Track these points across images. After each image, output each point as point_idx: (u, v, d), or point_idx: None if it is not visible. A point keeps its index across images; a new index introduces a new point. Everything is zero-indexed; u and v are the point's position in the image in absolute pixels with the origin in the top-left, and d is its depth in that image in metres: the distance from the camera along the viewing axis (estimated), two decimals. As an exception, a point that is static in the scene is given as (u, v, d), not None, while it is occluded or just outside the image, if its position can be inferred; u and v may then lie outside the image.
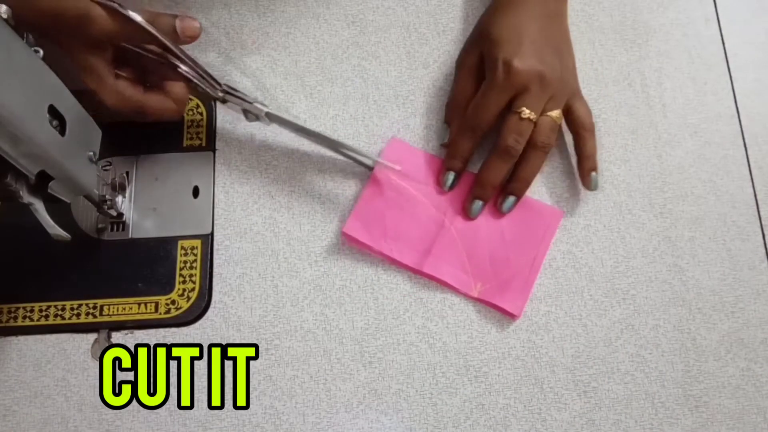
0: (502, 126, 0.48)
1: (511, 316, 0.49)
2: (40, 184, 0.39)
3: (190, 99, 0.54)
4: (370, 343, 0.48)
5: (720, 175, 0.53)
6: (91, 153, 0.43)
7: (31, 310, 0.48)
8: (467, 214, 0.50)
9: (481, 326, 0.49)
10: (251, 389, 0.47)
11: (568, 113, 0.51)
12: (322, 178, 0.52)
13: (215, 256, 0.50)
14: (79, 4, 0.41)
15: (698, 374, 0.48)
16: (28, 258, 0.50)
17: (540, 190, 0.52)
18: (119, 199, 0.50)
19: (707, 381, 0.48)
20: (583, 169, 0.50)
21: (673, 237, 0.51)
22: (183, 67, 0.46)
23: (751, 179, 0.53)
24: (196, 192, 0.52)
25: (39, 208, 0.40)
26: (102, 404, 0.47)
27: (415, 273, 0.50)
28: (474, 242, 0.50)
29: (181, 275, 0.49)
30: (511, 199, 0.50)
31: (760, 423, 0.47)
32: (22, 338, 0.48)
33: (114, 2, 0.42)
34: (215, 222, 0.51)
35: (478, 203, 0.50)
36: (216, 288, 0.49)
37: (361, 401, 0.47)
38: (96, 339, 0.48)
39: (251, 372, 0.48)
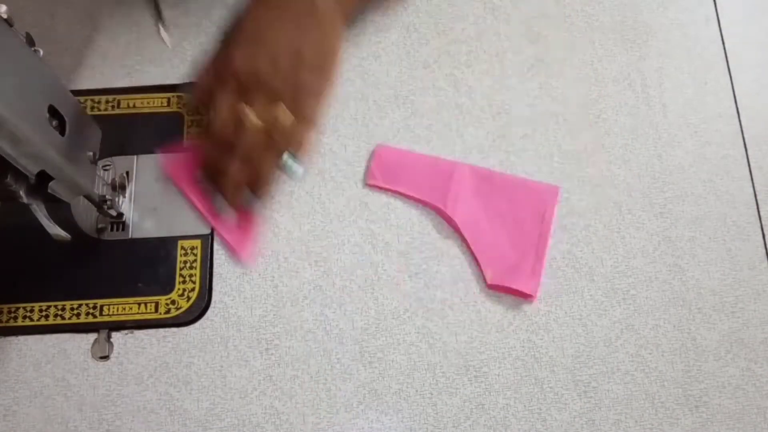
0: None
1: (527, 297, 0.49)
2: (40, 184, 0.39)
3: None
4: (370, 343, 0.48)
5: (720, 175, 0.53)
6: (91, 153, 0.43)
7: (31, 310, 0.48)
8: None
9: (481, 326, 0.49)
10: (251, 389, 0.47)
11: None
12: (322, 178, 0.52)
13: (215, 256, 0.50)
14: None
15: (698, 374, 0.48)
16: (29, 258, 0.50)
17: (540, 190, 0.52)
18: (119, 199, 0.50)
19: (707, 381, 0.48)
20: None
21: (673, 237, 0.51)
22: None
23: (751, 179, 0.53)
24: (196, 192, 0.52)
25: (39, 208, 0.40)
26: (102, 404, 0.47)
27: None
28: (477, 230, 0.50)
29: (181, 275, 0.49)
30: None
31: (760, 423, 0.47)
32: (22, 338, 0.48)
33: None
34: (215, 222, 0.51)
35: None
36: (216, 288, 0.49)
37: (361, 401, 0.47)
38: (96, 339, 0.48)
39: (251, 372, 0.48)
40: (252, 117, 0.45)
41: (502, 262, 0.49)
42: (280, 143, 0.46)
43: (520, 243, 0.50)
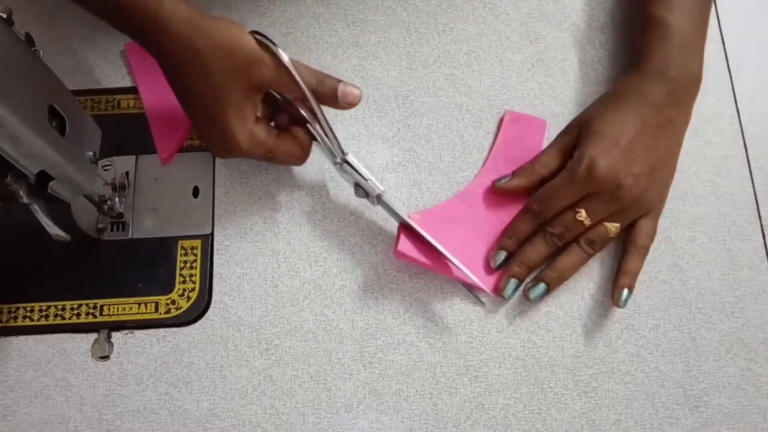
0: (558, 214, 0.48)
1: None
2: (40, 184, 0.39)
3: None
4: (370, 343, 0.48)
5: (720, 175, 0.53)
6: (91, 153, 0.43)
7: (31, 310, 0.48)
8: (501, 294, 0.48)
9: (481, 326, 0.49)
10: (251, 389, 0.47)
11: (630, 226, 0.49)
12: (323, 178, 0.52)
13: (215, 256, 0.50)
14: (253, 47, 0.42)
15: (698, 374, 0.48)
16: (28, 258, 0.50)
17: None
18: (119, 199, 0.50)
19: (707, 381, 0.48)
20: (617, 283, 0.48)
21: (673, 237, 0.51)
22: (314, 126, 0.47)
23: (751, 179, 0.53)
24: (196, 192, 0.52)
25: (39, 208, 0.40)
26: (102, 404, 0.47)
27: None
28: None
29: (181, 275, 0.49)
30: (542, 287, 0.48)
31: (760, 423, 0.47)
32: (22, 338, 0.48)
33: (278, 50, 0.43)
34: (215, 222, 0.51)
35: (513, 283, 0.48)
36: (216, 288, 0.49)
37: (361, 401, 0.47)
38: (96, 339, 0.48)
39: (251, 372, 0.48)
40: (586, 219, 0.47)
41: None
42: (596, 250, 0.48)
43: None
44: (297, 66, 0.44)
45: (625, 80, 0.50)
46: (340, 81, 0.45)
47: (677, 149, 0.50)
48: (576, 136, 0.49)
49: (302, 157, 0.48)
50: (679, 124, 0.50)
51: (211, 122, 0.44)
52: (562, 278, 0.48)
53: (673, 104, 0.48)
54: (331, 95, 0.45)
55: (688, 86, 0.49)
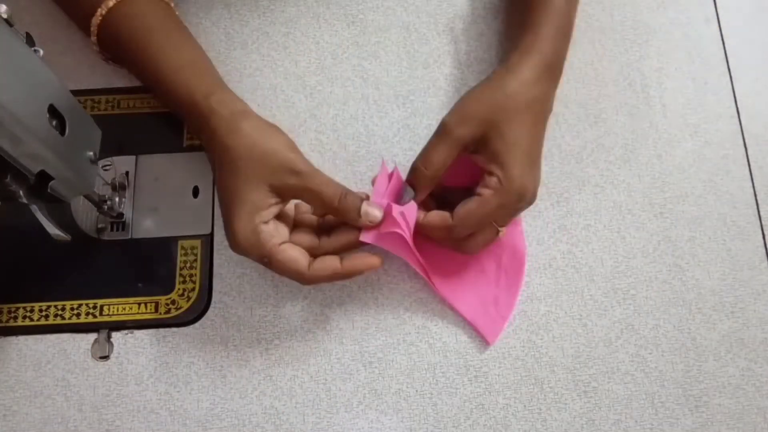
0: (477, 234, 0.45)
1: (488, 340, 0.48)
2: (40, 184, 0.39)
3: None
4: (370, 343, 0.48)
5: (720, 175, 0.53)
6: (91, 153, 0.43)
7: (31, 310, 0.49)
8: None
9: (481, 326, 0.49)
10: (251, 389, 0.47)
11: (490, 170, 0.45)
12: (322, 178, 0.52)
13: (215, 256, 0.50)
14: (287, 155, 0.44)
15: (698, 374, 0.48)
16: (28, 258, 0.50)
17: (540, 191, 0.52)
18: (119, 199, 0.50)
19: (707, 381, 0.48)
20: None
21: (673, 237, 0.51)
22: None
23: (751, 179, 0.53)
24: (196, 192, 0.52)
25: (39, 208, 0.40)
26: (102, 404, 0.47)
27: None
28: (459, 292, 0.49)
29: (181, 275, 0.49)
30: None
31: (760, 423, 0.47)
32: (22, 338, 0.48)
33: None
34: (215, 222, 0.51)
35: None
36: (216, 288, 0.49)
37: (361, 401, 0.47)
38: (96, 339, 0.48)
39: (251, 372, 0.48)
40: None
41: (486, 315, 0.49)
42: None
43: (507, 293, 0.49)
44: (322, 180, 0.44)
45: (512, 71, 0.46)
46: (363, 199, 0.44)
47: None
48: (481, 131, 0.44)
49: (300, 276, 0.44)
50: (550, 105, 0.48)
51: (225, 212, 0.44)
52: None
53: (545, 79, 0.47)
54: (353, 211, 0.44)
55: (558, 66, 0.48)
